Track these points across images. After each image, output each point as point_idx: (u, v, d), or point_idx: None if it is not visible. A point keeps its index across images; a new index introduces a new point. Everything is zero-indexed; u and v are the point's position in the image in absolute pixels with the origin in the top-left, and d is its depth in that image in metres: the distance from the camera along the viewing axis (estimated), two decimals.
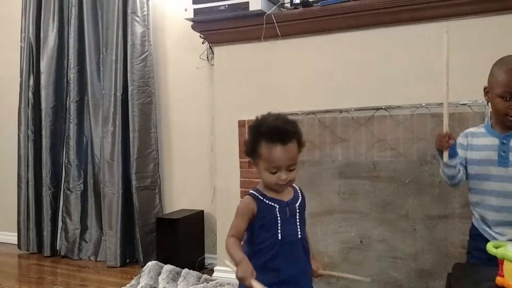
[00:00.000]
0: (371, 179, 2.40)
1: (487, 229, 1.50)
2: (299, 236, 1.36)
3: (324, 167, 2.52)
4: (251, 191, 1.36)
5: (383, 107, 2.35)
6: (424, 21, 2.29)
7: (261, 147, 1.29)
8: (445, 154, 1.47)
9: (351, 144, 2.45)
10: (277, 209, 1.33)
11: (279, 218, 1.33)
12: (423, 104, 2.25)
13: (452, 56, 2.20)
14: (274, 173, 1.29)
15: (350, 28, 2.45)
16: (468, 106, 2.15)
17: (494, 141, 1.49)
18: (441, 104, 2.14)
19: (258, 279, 1.21)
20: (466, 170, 1.56)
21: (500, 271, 1.16)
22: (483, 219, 1.51)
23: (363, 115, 2.41)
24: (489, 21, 2.17)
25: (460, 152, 1.55)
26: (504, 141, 1.46)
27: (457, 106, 2.16)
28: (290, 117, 1.36)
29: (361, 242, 2.43)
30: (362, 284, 2.31)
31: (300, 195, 1.42)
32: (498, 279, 1.16)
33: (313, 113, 2.53)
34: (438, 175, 2.24)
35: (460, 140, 1.59)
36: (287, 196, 1.38)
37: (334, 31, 2.50)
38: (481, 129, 1.55)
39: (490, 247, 1.21)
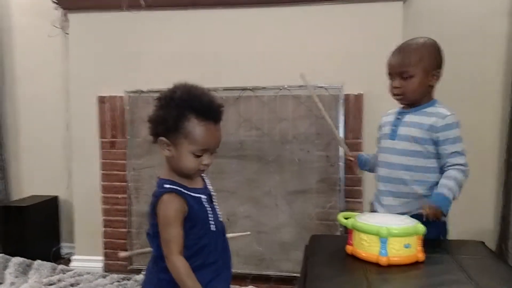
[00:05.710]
0: (238, 158, 2.45)
1: (380, 206, 1.57)
2: (221, 219, 1.23)
3: None
4: (169, 186, 1.11)
5: (250, 88, 2.39)
6: (287, 4, 2.37)
7: (190, 125, 1.08)
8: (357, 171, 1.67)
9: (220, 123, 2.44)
10: (203, 200, 1.16)
11: (208, 209, 1.17)
12: (285, 86, 2.35)
13: (311, 41, 2.37)
14: (198, 157, 1.10)
15: (217, 5, 2.42)
16: (325, 89, 2.31)
17: (393, 117, 1.56)
18: (301, 86, 2.31)
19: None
20: None
21: (349, 240, 1.27)
22: (377, 194, 1.59)
23: (231, 95, 2.41)
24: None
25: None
26: (399, 117, 1.53)
27: (315, 89, 2.31)
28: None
29: (228, 220, 2.47)
30: None
31: (204, 177, 1.25)
32: (348, 248, 1.27)
33: None
34: (297, 153, 2.40)
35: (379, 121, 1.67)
36: (199, 181, 1.21)
37: (202, 7, 2.43)
38: (395, 109, 1.60)
39: (340, 218, 1.32)
